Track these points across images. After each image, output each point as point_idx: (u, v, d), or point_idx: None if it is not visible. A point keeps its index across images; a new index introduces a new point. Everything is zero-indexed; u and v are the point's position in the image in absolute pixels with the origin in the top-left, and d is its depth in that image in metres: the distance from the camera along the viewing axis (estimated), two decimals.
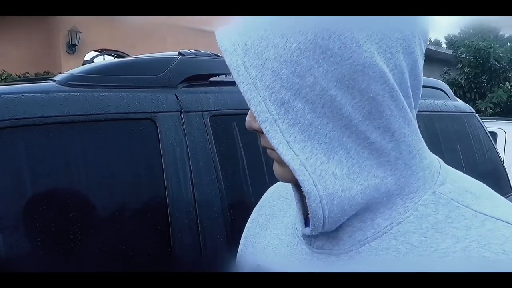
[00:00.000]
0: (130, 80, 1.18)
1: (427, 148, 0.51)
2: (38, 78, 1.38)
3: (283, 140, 0.45)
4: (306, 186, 0.46)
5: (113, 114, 1.09)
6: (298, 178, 0.46)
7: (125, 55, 8.09)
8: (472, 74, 10.34)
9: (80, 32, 8.18)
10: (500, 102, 9.76)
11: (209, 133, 1.21)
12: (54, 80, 1.15)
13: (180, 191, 1.12)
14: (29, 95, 1.00)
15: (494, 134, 4.80)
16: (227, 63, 0.47)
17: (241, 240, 0.70)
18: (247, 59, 0.45)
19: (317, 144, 0.45)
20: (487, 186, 0.51)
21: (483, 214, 0.46)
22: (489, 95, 9.89)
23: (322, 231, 0.48)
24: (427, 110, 1.97)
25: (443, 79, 9.36)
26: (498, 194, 0.50)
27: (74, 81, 1.12)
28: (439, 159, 0.54)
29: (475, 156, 2.18)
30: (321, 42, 0.43)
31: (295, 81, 0.44)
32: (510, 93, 10.14)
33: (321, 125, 0.45)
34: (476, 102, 9.66)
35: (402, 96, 0.46)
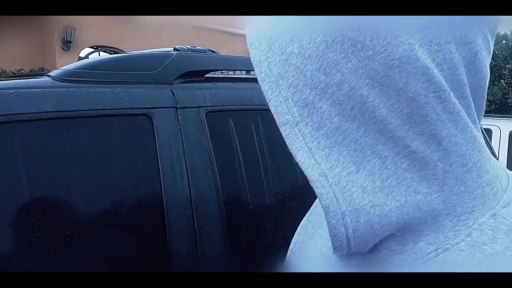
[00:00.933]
0: (126, 76, 1.18)
1: (491, 159, 0.43)
2: (33, 74, 1.37)
3: (304, 146, 0.40)
4: (324, 200, 0.40)
5: (109, 110, 1.09)
6: (316, 190, 0.40)
7: (120, 51, 8.06)
8: None
9: (75, 29, 8.15)
10: (495, 99, 9.81)
11: (205, 129, 1.21)
12: (50, 76, 1.15)
13: (176, 187, 1.12)
14: (24, 90, 1.00)
15: (489, 131, 4.83)
16: (251, 59, 0.42)
17: (290, 245, 0.64)
18: (271, 54, 0.41)
19: (345, 151, 0.39)
20: None
21: None
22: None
23: (350, 252, 0.42)
24: None
25: None
26: None
27: (70, 77, 1.12)
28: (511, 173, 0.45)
29: None
30: (350, 34, 0.37)
31: (321, 79, 0.39)
32: (505, 90, 10.19)
33: (350, 130, 0.39)
34: None
35: (453, 97, 0.38)
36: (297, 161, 0.40)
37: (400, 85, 0.37)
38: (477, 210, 0.40)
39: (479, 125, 0.43)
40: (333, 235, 0.40)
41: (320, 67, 0.38)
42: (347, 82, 0.38)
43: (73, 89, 1.07)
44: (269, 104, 0.41)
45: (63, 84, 1.09)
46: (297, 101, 0.40)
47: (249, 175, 1.25)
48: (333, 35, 0.38)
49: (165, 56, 1.28)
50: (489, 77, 0.43)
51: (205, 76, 1.34)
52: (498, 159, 2.46)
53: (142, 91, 1.17)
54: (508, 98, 10.74)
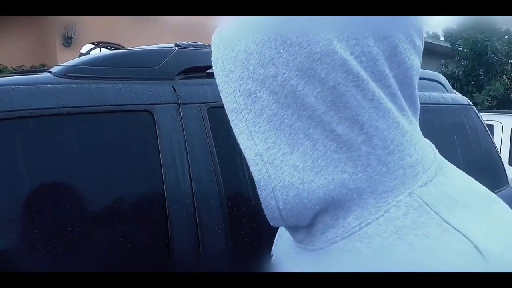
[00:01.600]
0: (127, 72, 1.18)
1: (418, 145, 0.47)
2: (34, 70, 1.37)
3: (246, 130, 0.46)
4: (257, 176, 0.46)
5: (110, 106, 1.09)
6: (250, 168, 0.46)
7: (121, 47, 8.05)
8: (469, 67, 10.34)
9: (76, 25, 8.13)
10: (497, 95, 9.77)
11: (206, 125, 1.20)
12: (51, 72, 1.14)
13: (177, 183, 1.12)
14: (25, 86, 1.00)
15: (491, 127, 4.82)
16: (211, 57, 0.49)
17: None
18: (225, 52, 0.47)
19: (281, 134, 0.45)
20: (492, 197, 0.45)
21: (448, 223, 0.41)
22: (486, 88, 9.90)
23: (290, 224, 0.48)
24: (424, 102, 1.97)
25: (441, 72, 9.34)
26: (500, 209, 0.44)
27: (71, 73, 1.12)
28: (441, 159, 0.49)
29: (472, 149, 2.18)
30: (281, 32, 0.43)
31: (260, 72, 0.44)
32: (507, 86, 10.16)
33: (285, 116, 0.44)
34: (473, 95, 9.67)
35: (374, 86, 0.43)
36: (239, 142, 0.47)
37: (322, 76, 0.42)
38: (397, 189, 0.44)
39: (408, 112, 0.46)
40: (265, 206, 0.47)
41: (260, 62, 0.44)
42: (280, 74, 0.43)
43: (74, 85, 1.07)
44: (221, 95, 0.48)
45: (64, 80, 1.08)
46: (243, 92, 0.46)
47: (250, 171, 1.24)
48: (269, 33, 0.43)
49: (166, 52, 1.28)
50: (415, 69, 0.47)
51: (207, 71, 1.33)
52: (500, 154, 2.46)
53: (144, 87, 1.16)
54: (510, 94, 10.71)
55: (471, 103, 2.42)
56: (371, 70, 0.43)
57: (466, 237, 0.39)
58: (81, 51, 8.46)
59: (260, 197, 0.46)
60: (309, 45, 0.42)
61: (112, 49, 8.24)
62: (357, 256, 0.44)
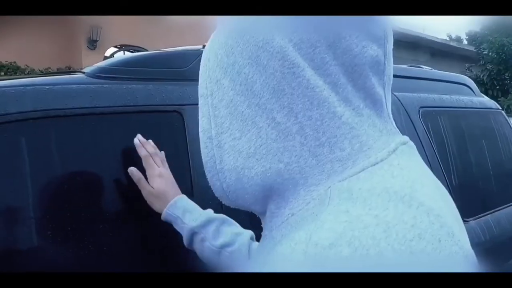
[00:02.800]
0: (157, 72, 1.19)
1: (360, 138, 0.44)
2: (66, 71, 1.40)
3: (208, 114, 0.49)
4: (205, 157, 0.50)
5: (141, 106, 1.10)
6: (201, 150, 0.50)
7: (144, 50, 8.16)
8: (494, 71, 10.15)
9: (101, 28, 8.29)
10: None
11: None
12: (84, 73, 1.17)
13: (206, 183, 1.12)
14: (60, 86, 1.02)
15: None
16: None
17: None
18: (209, 44, 0.52)
19: (234, 120, 0.47)
20: (403, 199, 0.39)
21: (328, 214, 0.40)
22: None
23: (239, 206, 0.51)
24: (452, 106, 1.94)
25: None
26: (389, 211, 0.38)
27: (103, 74, 1.14)
28: (399, 155, 0.44)
29: (501, 153, 2.13)
30: (239, 25, 0.47)
31: (224, 60, 0.47)
32: None
33: (239, 102, 0.46)
34: (499, 99, 9.47)
35: (311, 73, 0.43)
36: (199, 125, 0.50)
37: (265, 63, 0.44)
38: (322, 183, 0.44)
39: (357, 103, 0.45)
40: (212, 186, 0.51)
41: (225, 51, 0.47)
42: (237, 63, 0.46)
43: (107, 85, 1.09)
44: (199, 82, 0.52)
45: (97, 80, 1.10)
46: (212, 79, 0.49)
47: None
48: (233, 27, 0.47)
49: (194, 53, 1.29)
50: (369, 56, 0.44)
51: None
52: None
53: (173, 87, 1.18)
54: None
55: (500, 107, 2.37)
56: (310, 57, 0.43)
57: (308, 233, 0.39)
58: (105, 54, 8.61)
59: (207, 177, 0.51)
60: (255, 33, 0.45)
61: (134, 52, 8.37)
62: (272, 245, 0.45)
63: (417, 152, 0.49)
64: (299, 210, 0.45)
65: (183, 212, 0.93)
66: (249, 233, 0.92)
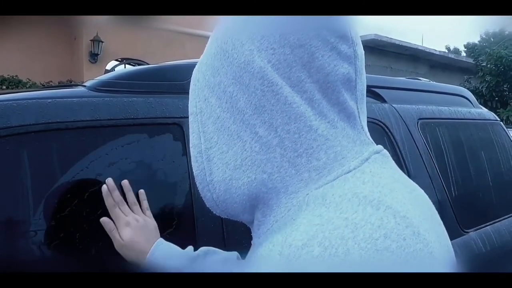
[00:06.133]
0: (158, 86, 1.20)
1: (335, 148, 0.47)
2: (68, 85, 1.41)
3: (197, 130, 0.53)
4: (196, 171, 0.53)
5: (142, 119, 1.11)
6: (192, 164, 0.54)
7: (144, 63, 8.21)
8: (493, 83, 10.19)
9: (103, 42, 8.35)
10: None
11: None
12: (85, 86, 1.18)
13: None
14: (61, 99, 1.03)
15: None
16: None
17: None
18: (198, 65, 0.55)
19: (221, 135, 0.50)
20: (371, 204, 0.42)
21: (303, 218, 0.43)
22: (511, 103, 9.70)
23: (229, 216, 0.54)
24: (451, 117, 1.95)
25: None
26: (356, 216, 0.41)
27: (104, 87, 1.15)
28: (372, 164, 0.48)
29: (500, 165, 2.14)
30: (223, 46, 0.50)
31: (211, 80, 0.51)
32: None
33: (225, 119, 0.50)
34: (498, 111, 9.49)
35: (288, 91, 0.47)
36: (190, 141, 0.54)
37: (247, 82, 0.48)
38: (300, 191, 0.47)
39: (332, 116, 0.48)
40: (203, 197, 0.54)
41: (212, 72, 0.51)
42: (223, 82, 0.50)
43: (108, 98, 1.10)
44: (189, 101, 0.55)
45: (97, 94, 1.12)
46: (201, 97, 0.52)
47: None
48: (217, 48, 0.51)
49: (194, 66, 1.30)
50: (341, 74, 0.48)
51: None
52: None
53: (173, 100, 1.19)
54: None
55: (498, 118, 2.38)
56: (287, 76, 0.47)
57: (284, 236, 0.41)
58: (106, 68, 8.66)
59: (198, 188, 0.54)
60: (238, 56, 0.48)
61: (136, 65, 8.42)
62: (251, 252, 0.49)
63: (391, 159, 0.53)
64: (282, 217, 0.48)
65: (164, 261, 0.88)
66: (235, 253, 0.90)
